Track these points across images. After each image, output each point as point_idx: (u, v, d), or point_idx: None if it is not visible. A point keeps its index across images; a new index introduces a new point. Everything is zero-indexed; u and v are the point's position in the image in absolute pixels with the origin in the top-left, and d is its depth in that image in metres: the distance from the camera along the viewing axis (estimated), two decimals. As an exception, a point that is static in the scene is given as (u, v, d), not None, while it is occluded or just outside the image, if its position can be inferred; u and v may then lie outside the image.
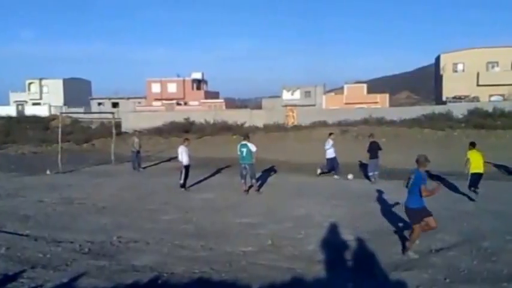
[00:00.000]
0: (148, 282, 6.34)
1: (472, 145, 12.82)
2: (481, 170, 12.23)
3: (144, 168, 20.00)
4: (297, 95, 61.64)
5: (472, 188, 12.14)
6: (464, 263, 6.82)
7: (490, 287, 5.85)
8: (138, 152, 19.89)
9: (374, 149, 15.28)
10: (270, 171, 18.03)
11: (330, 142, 16.28)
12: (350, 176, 16.02)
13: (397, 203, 10.39)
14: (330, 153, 16.27)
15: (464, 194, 12.41)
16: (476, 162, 12.20)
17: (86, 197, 13.10)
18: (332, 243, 8.17)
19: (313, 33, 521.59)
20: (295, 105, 45.10)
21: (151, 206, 11.84)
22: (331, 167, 16.41)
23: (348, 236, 8.51)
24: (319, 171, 16.76)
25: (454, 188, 13.37)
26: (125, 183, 15.88)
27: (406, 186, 7.51)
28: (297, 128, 31.65)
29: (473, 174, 12.18)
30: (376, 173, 15.23)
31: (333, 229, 8.99)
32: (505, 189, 13.44)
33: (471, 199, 12.00)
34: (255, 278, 6.38)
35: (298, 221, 9.83)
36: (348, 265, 7.13)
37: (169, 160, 21.71)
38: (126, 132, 31.77)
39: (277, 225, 9.56)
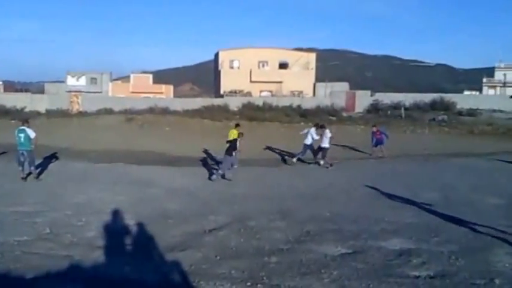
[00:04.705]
0: None
1: (236, 126, 16.27)
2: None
3: None
4: (83, 81, 58.87)
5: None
6: (234, 241, 7.55)
7: (254, 261, 6.55)
8: None
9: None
10: (51, 158, 17.07)
11: (312, 131, 16.98)
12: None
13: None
14: (309, 140, 16.87)
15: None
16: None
17: None
18: (113, 229, 8.29)
19: (99, 20, 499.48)
20: (80, 92, 43.58)
21: None
22: (312, 152, 17.02)
23: (128, 221, 8.72)
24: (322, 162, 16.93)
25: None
26: None
27: None
28: (81, 114, 30.83)
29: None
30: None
31: (114, 215, 9.11)
32: (273, 174, 15.29)
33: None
34: (29, 268, 6.15)
35: (79, 208, 9.69)
36: (128, 249, 7.35)
37: None
38: None
39: (56, 213, 9.25)
